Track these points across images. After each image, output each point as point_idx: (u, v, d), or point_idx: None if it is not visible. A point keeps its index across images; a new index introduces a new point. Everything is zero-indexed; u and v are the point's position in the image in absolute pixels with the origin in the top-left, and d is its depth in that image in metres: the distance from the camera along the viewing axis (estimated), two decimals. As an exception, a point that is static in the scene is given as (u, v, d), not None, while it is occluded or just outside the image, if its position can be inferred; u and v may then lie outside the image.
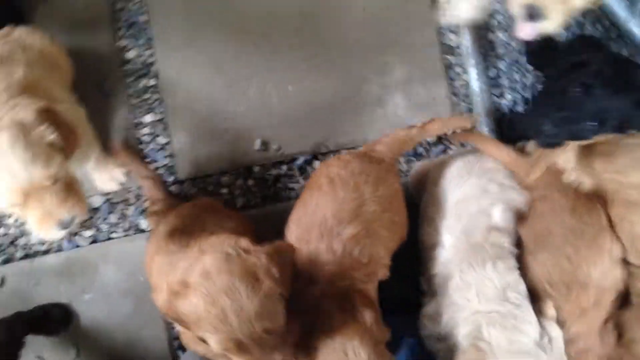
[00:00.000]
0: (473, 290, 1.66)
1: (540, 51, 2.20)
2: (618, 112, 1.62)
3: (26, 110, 1.45)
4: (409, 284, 1.88)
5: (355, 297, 1.47)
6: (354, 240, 1.54)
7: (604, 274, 1.68)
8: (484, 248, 1.72)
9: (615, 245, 1.70)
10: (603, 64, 1.70)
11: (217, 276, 1.22)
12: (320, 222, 1.56)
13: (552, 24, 1.55)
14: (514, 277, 1.70)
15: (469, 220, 1.78)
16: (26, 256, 2.14)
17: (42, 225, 1.48)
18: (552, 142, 1.76)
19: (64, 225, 1.51)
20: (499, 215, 1.78)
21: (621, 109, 1.61)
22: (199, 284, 1.22)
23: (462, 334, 1.64)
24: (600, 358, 1.65)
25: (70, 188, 1.52)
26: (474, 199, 1.81)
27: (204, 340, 1.27)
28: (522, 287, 1.69)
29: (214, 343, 1.22)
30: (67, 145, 1.50)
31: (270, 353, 1.25)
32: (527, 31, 1.64)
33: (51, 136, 1.45)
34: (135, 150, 2.19)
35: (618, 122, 1.62)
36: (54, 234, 1.51)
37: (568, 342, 1.65)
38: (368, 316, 1.42)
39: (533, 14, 1.53)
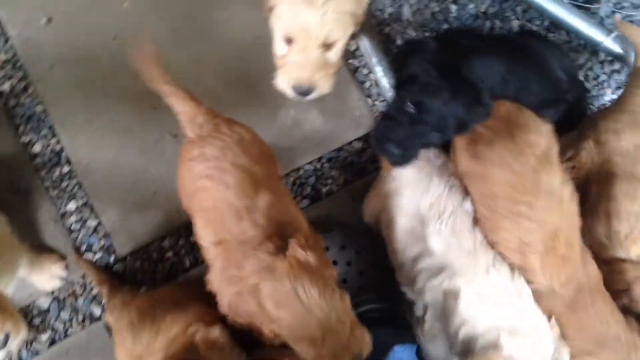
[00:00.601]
0: (486, 302, 1.68)
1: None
2: (455, 118, 1.67)
3: None
4: (389, 294, 1.91)
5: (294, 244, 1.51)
6: (271, 207, 1.59)
7: (566, 215, 1.72)
8: (477, 252, 1.73)
9: (564, 186, 1.73)
10: (427, 75, 1.73)
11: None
12: (229, 210, 1.59)
13: (324, 89, 1.66)
14: (518, 278, 1.73)
15: (452, 220, 1.77)
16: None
17: None
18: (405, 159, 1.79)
19: (1, 345, 1.50)
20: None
21: (457, 115, 1.67)
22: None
23: (479, 345, 1.66)
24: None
25: (3, 311, 1.52)
26: (446, 197, 1.81)
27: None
28: (527, 288, 1.71)
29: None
30: None
31: None
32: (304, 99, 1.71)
33: None
34: (68, 241, 2.17)
35: (456, 125, 1.66)
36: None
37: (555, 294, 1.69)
38: (312, 257, 1.47)
39: (303, 92, 1.62)
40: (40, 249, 2.14)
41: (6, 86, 2.25)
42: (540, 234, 1.69)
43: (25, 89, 2.26)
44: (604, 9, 2.44)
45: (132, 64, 1.71)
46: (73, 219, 2.22)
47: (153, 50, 1.75)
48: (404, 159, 1.76)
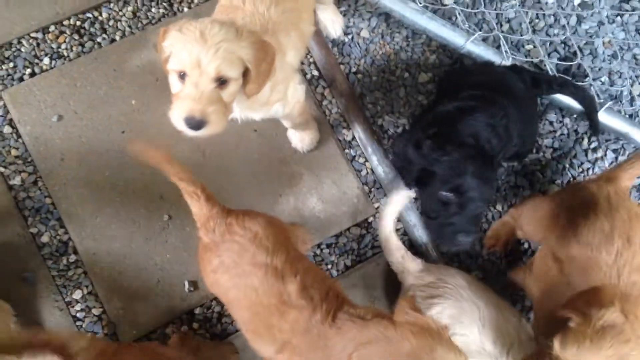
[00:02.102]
0: None
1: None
2: (492, 179, 1.89)
3: None
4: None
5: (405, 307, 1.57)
6: (302, 287, 1.67)
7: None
8: None
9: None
10: (443, 162, 1.98)
11: None
12: (269, 311, 1.66)
13: (216, 127, 1.68)
14: None
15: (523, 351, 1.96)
16: None
17: None
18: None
19: None
20: None
21: (491, 176, 1.91)
22: None
23: None
24: None
25: None
26: (510, 328, 2.00)
27: None
28: None
29: None
30: None
31: None
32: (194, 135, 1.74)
33: None
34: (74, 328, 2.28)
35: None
36: None
37: None
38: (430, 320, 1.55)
39: (195, 125, 1.63)
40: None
41: (17, 180, 2.43)
42: None
43: (35, 182, 2.45)
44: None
45: (141, 160, 1.85)
46: (78, 307, 2.35)
47: (162, 146, 1.91)
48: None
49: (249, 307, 1.70)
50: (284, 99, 2.01)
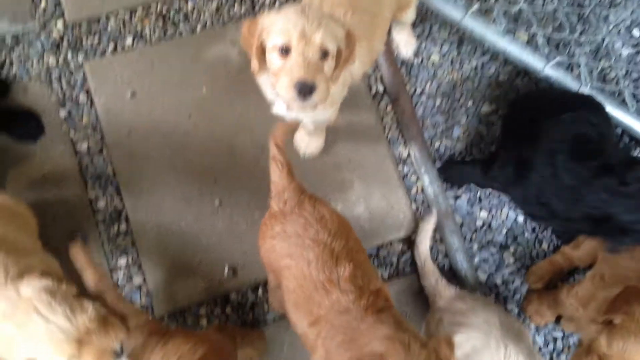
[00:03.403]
0: None
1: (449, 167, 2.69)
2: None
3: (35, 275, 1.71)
4: None
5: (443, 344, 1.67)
6: (353, 275, 1.77)
7: None
8: None
9: None
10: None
11: None
12: (314, 286, 1.77)
13: (323, 95, 1.74)
14: None
15: None
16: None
17: None
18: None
19: (117, 354, 1.77)
20: None
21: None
22: None
23: None
24: None
25: (106, 321, 1.74)
26: None
27: None
28: None
29: None
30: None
31: None
32: (301, 107, 1.82)
33: (71, 288, 1.72)
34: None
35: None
36: None
37: None
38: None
39: (306, 90, 1.68)
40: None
41: (84, 146, 2.63)
42: None
43: (100, 151, 2.64)
44: None
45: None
46: (121, 274, 2.51)
47: (291, 124, 2.12)
48: None
49: (297, 277, 1.82)
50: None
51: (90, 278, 1.99)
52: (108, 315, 1.77)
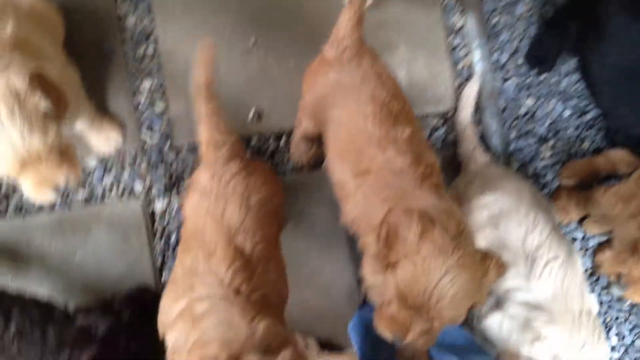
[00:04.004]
0: None
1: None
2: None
3: (18, 76, 1.59)
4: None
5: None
6: (411, 138, 1.69)
7: None
8: (581, 322, 1.92)
9: None
10: None
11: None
12: (368, 140, 1.69)
13: None
14: None
15: (562, 272, 1.95)
16: (19, 211, 2.31)
17: (37, 190, 1.66)
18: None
19: (58, 189, 1.69)
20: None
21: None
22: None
23: None
24: None
25: (64, 153, 1.69)
26: (556, 242, 1.98)
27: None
28: None
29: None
30: (57, 110, 1.66)
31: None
32: None
33: (44, 105, 1.61)
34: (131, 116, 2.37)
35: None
36: (48, 197, 1.69)
37: None
38: None
39: None
40: (104, 112, 2.31)
41: (119, -42, 2.46)
42: None
43: (136, -36, 2.47)
44: None
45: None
46: (143, 97, 2.42)
47: None
48: None
49: (349, 128, 1.73)
50: None
51: (200, 75, 1.84)
52: (69, 148, 1.69)
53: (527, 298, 1.94)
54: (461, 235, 1.49)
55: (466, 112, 2.42)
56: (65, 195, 2.34)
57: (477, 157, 2.32)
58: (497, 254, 1.54)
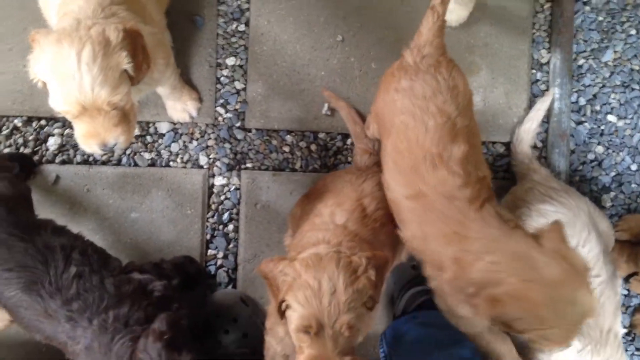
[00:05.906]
0: None
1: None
2: None
3: (115, 29, 1.65)
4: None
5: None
6: (466, 158, 1.72)
7: None
8: (607, 342, 1.96)
9: None
10: None
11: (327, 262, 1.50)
12: (423, 155, 1.72)
13: None
14: None
15: (600, 290, 2.00)
16: (85, 162, 2.40)
17: (86, 140, 1.72)
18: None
19: (105, 147, 1.73)
20: None
21: None
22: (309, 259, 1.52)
23: None
24: None
25: (125, 116, 1.74)
26: (602, 261, 2.02)
27: (282, 312, 1.53)
28: None
29: (296, 317, 1.47)
30: (136, 74, 1.71)
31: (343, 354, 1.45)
32: None
33: (127, 65, 1.67)
34: (211, 88, 2.44)
35: None
36: (93, 151, 1.75)
37: None
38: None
39: None
40: (185, 82, 2.38)
41: None
42: None
43: (242, -57, 2.54)
44: None
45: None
46: (225, 72, 2.49)
47: None
48: None
49: (408, 140, 1.76)
50: None
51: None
52: (130, 113, 1.74)
53: None
54: None
55: (532, 124, 2.46)
56: (132, 153, 2.41)
57: (537, 168, 2.35)
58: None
